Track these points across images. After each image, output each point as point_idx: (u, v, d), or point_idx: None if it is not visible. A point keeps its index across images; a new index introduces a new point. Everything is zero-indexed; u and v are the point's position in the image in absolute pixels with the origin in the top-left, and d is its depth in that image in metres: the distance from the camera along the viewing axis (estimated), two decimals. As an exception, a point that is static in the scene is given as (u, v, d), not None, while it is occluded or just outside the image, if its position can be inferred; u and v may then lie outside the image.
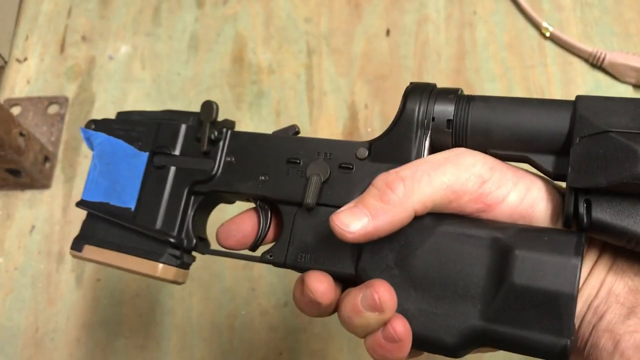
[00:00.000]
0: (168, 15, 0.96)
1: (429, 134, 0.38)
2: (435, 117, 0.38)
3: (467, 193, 0.36)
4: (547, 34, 0.84)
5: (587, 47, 0.81)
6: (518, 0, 0.86)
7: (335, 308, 0.39)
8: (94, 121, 0.49)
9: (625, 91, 0.80)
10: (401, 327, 0.35)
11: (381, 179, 0.36)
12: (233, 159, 0.44)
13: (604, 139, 0.33)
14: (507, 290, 0.33)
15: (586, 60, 0.82)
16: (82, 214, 0.84)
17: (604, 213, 0.33)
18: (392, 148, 0.39)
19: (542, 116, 0.36)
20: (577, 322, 0.35)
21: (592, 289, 0.35)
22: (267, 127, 0.85)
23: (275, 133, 0.44)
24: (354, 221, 0.35)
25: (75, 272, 0.79)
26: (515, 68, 0.83)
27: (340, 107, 0.85)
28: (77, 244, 0.47)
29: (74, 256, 0.47)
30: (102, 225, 0.46)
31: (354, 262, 0.38)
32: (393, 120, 0.39)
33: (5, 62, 0.94)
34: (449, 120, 0.38)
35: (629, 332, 0.33)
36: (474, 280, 0.35)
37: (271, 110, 0.86)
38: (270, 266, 0.77)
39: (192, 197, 0.45)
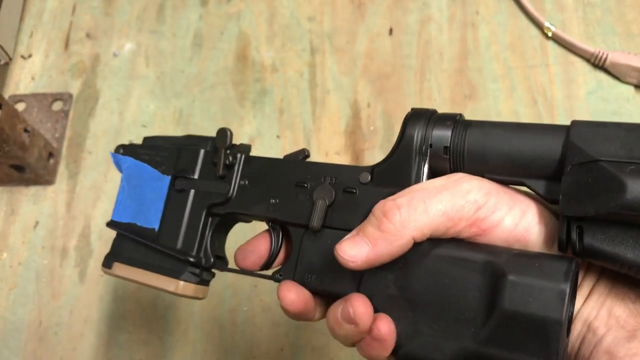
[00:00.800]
0: (172, 13, 0.96)
1: (427, 160, 0.40)
2: (432, 144, 0.39)
3: (463, 219, 0.37)
4: (549, 34, 0.84)
5: (589, 47, 0.81)
6: (521, 1, 0.87)
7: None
8: (122, 146, 0.52)
9: (627, 91, 0.80)
10: (386, 328, 0.37)
11: (379, 207, 0.38)
12: (247, 183, 0.46)
13: (594, 168, 0.34)
14: (499, 314, 0.34)
15: (588, 61, 0.83)
16: (85, 209, 0.85)
17: (596, 240, 0.34)
18: (393, 173, 0.41)
19: (536, 142, 0.37)
20: (577, 342, 0.36)
21: (591, 309, 0.36)
22: (270, 125, 0.85)
23: (286, 157, 0.46)
24: (356, 251, 0.37)
25: (79, 267, 0.80)
26: (517, 68, 0.84)
27: (342, 106, 0.85)
28: (108, 262, 0.50)
29: (105, 272, 0.50)
30: (129, 244, 0.49)
31: (356, 284, 0.40)
32: (393, 146, 0.41)
33: (10, 59, 0.94)
34: (445, 147, 0.39)
35: (629, 355, 0.33)
36: (467, 304, 0.36)
37: (274, 108, 0.86)
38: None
39: (210, 219, 0.47)
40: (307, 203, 0.43)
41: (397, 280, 0.38)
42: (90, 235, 0.81)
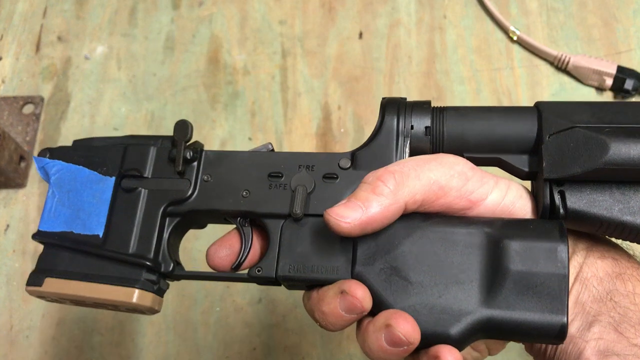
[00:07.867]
0: (144, 16, 0.96)
1: (409, 142, 0.41)
2: (413, 126, 0.41)
3: (453, 189, 0.38)
4: (515, 38, 0.87)
5: (553, 50, 0.84)
6: (487, 5, 0.89)
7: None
8: (49, 149, 0.47)
9: (588, 93, 0.82)
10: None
11: (371, 175, 0.38)
12: (210, 178, 0.44)
13: (572, 133, 0.37)
14: (504, 277, 0.36)
15: (551, 63, 0.85)
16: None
17: (577, 202, 0.37)
18: (375, 156, 0.42)
19: (511, 120, 0.40)
20: None
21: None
22: (242, 127, 0.86)
23: (252, 150, 0.45)
24: (349, 212, 0.36)
25: (51, 270, 0.79)
26: (483, 71, 0.86)
27: (314, 108, 0.86)
28: (36, 279, 0.43)
29: (31, 293, 0.44)
30: (64, 256, 0.44)
31: (349, 269, 0.39)
32: (373, 131, 0.42)
33: (-20, 62, 0.94)
34: (427, 128, 0.41)
35: (594, 339, 0.36)
36: (470, 273, 0.37)
37: (246, 110, 0.87)
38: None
39: (167, 219, 0.44)
40: (283, 192, 0.42)
41: (393, 260, 0.38)
42: (62, 238, 0.81)
